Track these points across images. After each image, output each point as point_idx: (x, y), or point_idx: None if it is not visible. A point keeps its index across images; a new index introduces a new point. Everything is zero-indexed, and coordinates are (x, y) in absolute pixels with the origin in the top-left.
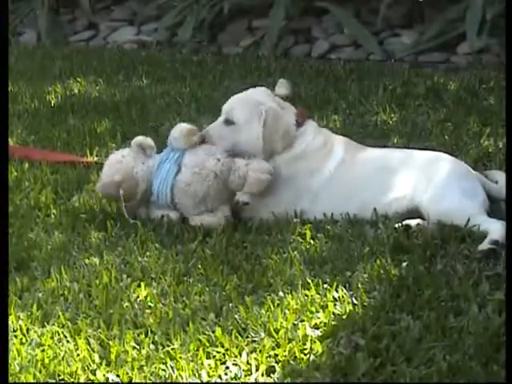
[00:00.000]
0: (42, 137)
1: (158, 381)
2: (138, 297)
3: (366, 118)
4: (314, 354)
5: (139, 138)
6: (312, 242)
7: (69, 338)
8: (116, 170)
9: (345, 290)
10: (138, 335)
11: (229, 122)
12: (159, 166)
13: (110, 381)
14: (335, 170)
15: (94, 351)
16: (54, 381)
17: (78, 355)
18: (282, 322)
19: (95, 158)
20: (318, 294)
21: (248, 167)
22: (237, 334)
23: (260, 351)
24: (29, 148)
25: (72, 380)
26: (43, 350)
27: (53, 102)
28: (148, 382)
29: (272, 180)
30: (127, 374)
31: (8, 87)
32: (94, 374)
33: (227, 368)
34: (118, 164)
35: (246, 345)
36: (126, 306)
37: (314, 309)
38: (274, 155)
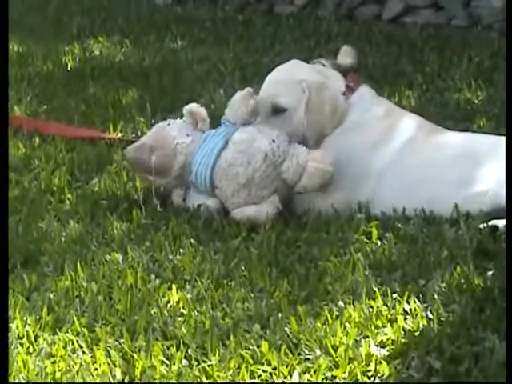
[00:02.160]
0: (55, 107)
1: None
2: (168, 302)
3: (447, 96)
4: (379, 377)
5: (191, 106)
6: (379, 242)
7: (85, 349)
8: (152, 134)
9: (418, 302)
10: (168, 348)
11: (277, 111)
12: (205, 141)
13: None
14: (402, 150)
15: (114, 365)
16: None
17: (96, 369)
18: (341, 338)
19: (119, 134)
20: (386, 305)
21: (310, 156)
22: (287, 351)
23: (315, 372)
24: (40, 120)
25: None
26: (54, 362)
27: (69, 66)
28: None
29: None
30: None
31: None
32: None
33: None
34: (159, 129)
35: (298, 363)
36: (154, 313)
37: (380, 323)
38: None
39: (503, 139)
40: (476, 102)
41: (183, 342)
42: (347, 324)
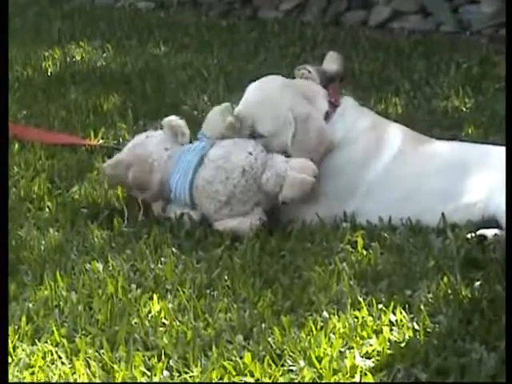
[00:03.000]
0: (35, 112)
1: None
2: (149, 312)
3: (434, 103)
4: None
5: (171, 119)
6: (365, 252)
7: (64, 360)
8: (129, 151)
9: (404, 313)
10: (149, 359)
11: (255, 136)
12: (181, 157)
13: None
14: (390, 164)
15: (94, 376)
16: None
17: (76, 380)
18: (325, 349)
19: (100, 141)
20: (371, 316)
21: (288, 164)
22: (270, 362)
23: (299, 383)
24: (19, 125)
25: None
26: (33, 373)
27: (50, 71)
28: None
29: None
30: None
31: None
32: None
33: None
34: (136, 144)
35: (281, 375)
36: (135, 323)
37: (365, 334)
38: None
39: (492, 148)
40: (464, 109)
41: (164, 353)
42: (332, 335)
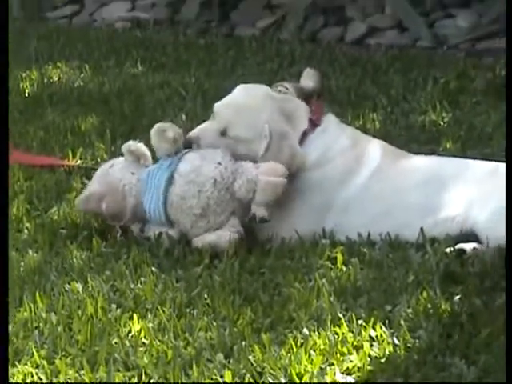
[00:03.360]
0: (13, 133)
1: None
2: (129, 332)
3: (412, 118)
4: None
5: (129, 144)
6: (344, 268)
7: (45, 381)
8: (98, 181)
9: (384, 328)
10: (130, 379)
11: (226, 135)
12: (149, 177)
13: None
14: (370, 179)
15: None
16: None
17: None
18: (306, 366)
19: (79, 162)
20: (351, 332)
21: (258, 170)
22: (251, 380)
23: None
24: None
25: None
26: None
27: (27, 92)
28: None
29: (286, 185)
30: None
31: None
32: None
33: None
34: (103, 174)
35: None
36: (115, 343)
37: (345, 350)
38: None
39: (469, 162)
40: (441, 123)
41: (145, 373)
42: (312, 351)
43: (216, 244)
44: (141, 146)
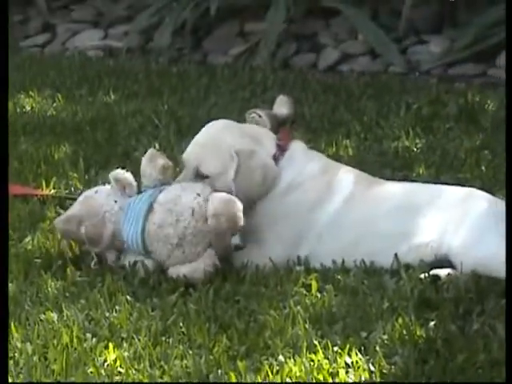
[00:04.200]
0: None
1: None
2: (105, 361)
3: (385, 144)
4: None
5: (117, 173)
6: (319, 294)
7: None
8: (80, 204)
9: (359, 355)
10: None
11: (201, 177)
12: (130, 206)
13: None
14: (343, 206)
15: None
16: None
17: None
18: None
19: (52, 191)
20: (327, 358)
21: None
22: None
23: None
24: None
25: None
26: None
27: None
28: None
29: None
30: None
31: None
32: None
33: None
34: (86, 198)
35: None
36: (91, 372)
37: (321, 377)
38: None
39: (443, 188)
40: (415, 149)
41: None
42: (288, 379)
43: (191, 276)
44: (128, 176)
